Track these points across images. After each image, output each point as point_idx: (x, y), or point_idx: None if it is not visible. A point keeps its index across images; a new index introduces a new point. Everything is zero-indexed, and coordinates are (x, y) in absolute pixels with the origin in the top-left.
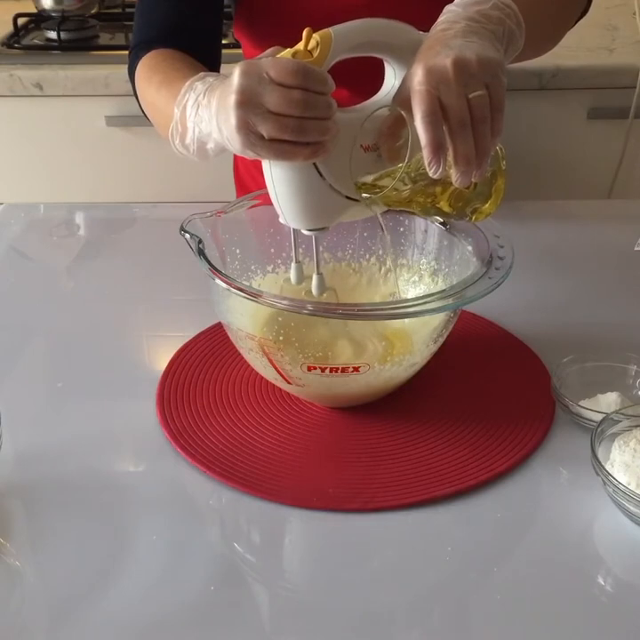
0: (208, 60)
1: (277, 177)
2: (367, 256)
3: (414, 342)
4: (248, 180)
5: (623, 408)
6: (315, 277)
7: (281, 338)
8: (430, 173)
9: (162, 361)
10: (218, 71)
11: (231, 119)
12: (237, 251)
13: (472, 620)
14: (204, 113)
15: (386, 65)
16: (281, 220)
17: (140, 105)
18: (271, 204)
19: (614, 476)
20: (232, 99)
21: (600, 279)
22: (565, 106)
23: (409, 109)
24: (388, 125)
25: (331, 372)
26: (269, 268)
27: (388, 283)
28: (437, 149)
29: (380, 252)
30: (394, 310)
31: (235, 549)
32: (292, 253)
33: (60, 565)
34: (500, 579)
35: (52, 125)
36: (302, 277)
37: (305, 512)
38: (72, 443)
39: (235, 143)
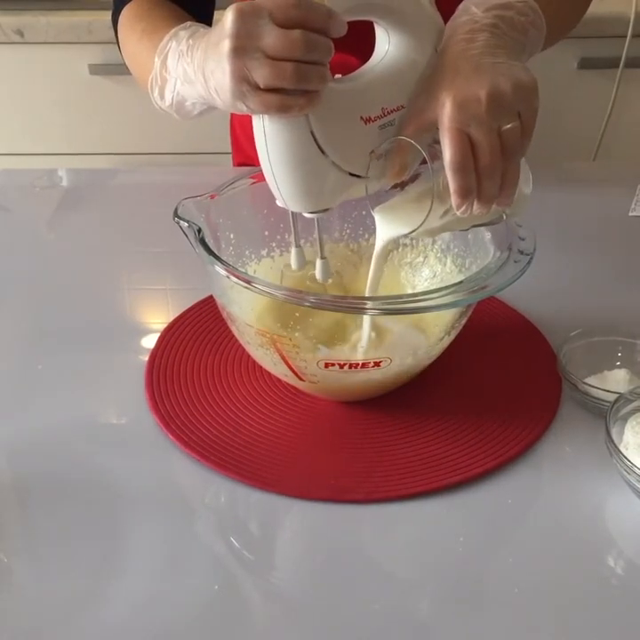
0: (200, 12)
1: (275, 155)
2: (366, 236)
3: (437, 331)
4: (245, 144)
5: (637, 387)
6: (319, 262)
7: (297, 334)
8: (458, 213)
9: (150, 334)
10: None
11: (225, 66)
12: (231, 235)
13: (488, 610)
14: (186, 63)
15: (378, 29)
16: (279, 203)
17: (121, 54)
18: (264, 182)
19: (629, 458)
20: (226, 44)
21: (603, 252)
22: (556, 56)
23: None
24: (399, 149)
25: (350, 368)
26: (264, 253)
27: (391, 263)
28: (466, 195)
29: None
30: (419, 303)
31: (232, 544)
32: (292, 238)
33: (51, 565)
34: (515, 567)
35: (34, 74)
36: (304, 262)
37: (306, 503)
38: (54, 431)
39: (224, 94)
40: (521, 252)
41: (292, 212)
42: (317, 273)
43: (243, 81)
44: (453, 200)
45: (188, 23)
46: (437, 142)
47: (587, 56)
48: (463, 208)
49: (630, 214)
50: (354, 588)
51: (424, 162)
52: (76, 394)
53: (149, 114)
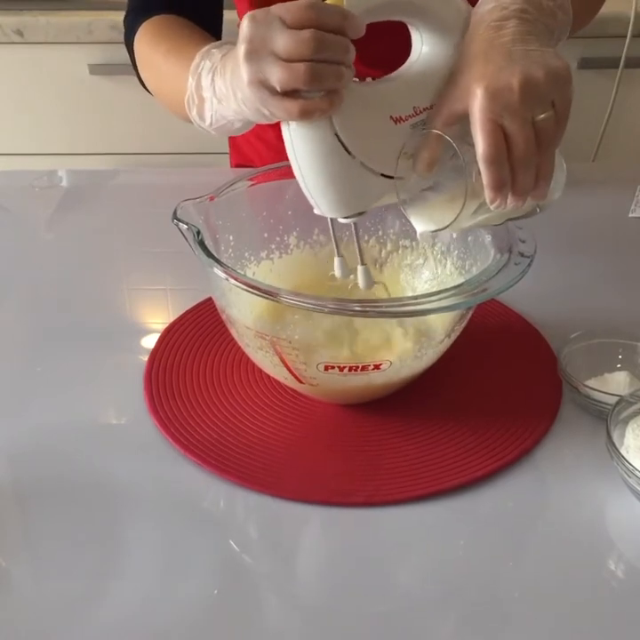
0: (210, 28)
1: (303, 161)
2: (366, 237)
3: (437, 334)
4: (244, 146)
5: (638, 390)
6: (360, 269)
7: (297, 337)
8: (491, 208)
9: (150, 334)
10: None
11: (242, 72)
12: (230, 237)
13: (488, 614)
14: (219, 81)
15: (412, 30)
16: (316, 211)
17: (138, 75)
18: (264, 183)
19: (630, 461)
20: (241, 49)
21: (603, 254)
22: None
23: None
24: (428, 142)
25: (350, 371)
26: (263, 255)
27: (391, 265)
28: (500, 188)
29: (380, 233)
30: (419, 306)
31: (231, 547)
32: (333, 246)
33: (49, 568)
34: (516, 570)
35: (34, 74)
36: (348, 271)
37: (305, 506)
38: (53, 433)
39: (249, 103)
40: (521, 255)
41: (331, 220)
42: (360, 281)
43: (260, 86)
44: (487, 194)
45: (220, 42)
46: (468, 134)
47: (586, 56)
48: (497, 202)
49: (630, 215)
50: (353, 591)
51: (455, 155)
52: (76, 395)
53: (149, 114)
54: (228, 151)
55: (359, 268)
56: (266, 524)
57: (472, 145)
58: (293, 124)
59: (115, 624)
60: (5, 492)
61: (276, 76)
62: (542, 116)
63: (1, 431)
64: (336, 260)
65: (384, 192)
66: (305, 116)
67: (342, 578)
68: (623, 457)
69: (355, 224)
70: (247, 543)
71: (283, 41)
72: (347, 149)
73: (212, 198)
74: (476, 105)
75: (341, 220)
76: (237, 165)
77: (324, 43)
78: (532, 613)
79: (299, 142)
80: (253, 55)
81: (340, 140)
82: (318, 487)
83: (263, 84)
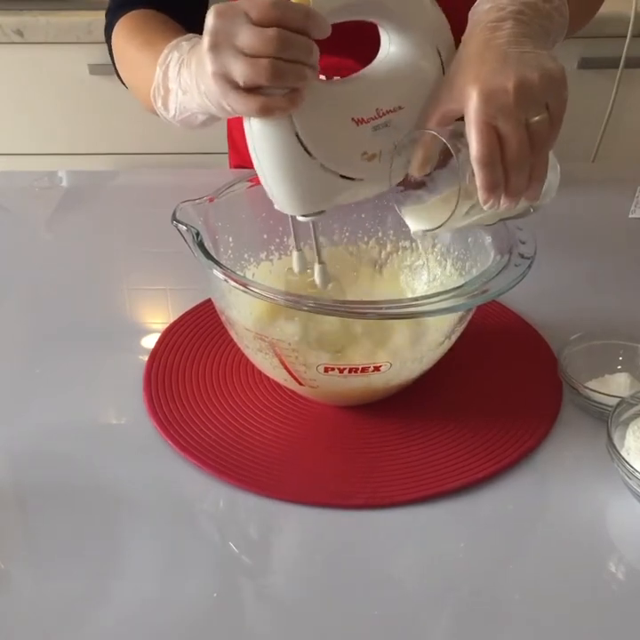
0: (192, 25)
1: (263, 158)
2: (365, 238)
3: (437, 336)
4: (243, 145)
5: (638, 391)
6: (317, 267)
7: (296, 338)
8: (484, 208)
9: (150, 334)
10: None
11: (205, 65)
12: (230, 239)
13: (488, 616)
14: (185, 73)
15: (380, 30)
16: (276, 206)
17: (115, 68)
18: (262, 185)
19: (631, 463)
20: (205, 42)
21: (603, 255)
22: (555, 55)
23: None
24: (421, 142)
25: (349, 372)
26: (263, 256)
27: (390, 266)
28: (493, 190)
29: (380, 234)
30: (419, 308)
31: (231, 549)
32: (291, 241)
33: (49, 570)
34: (516, 572)
35: (34, 74)
36: (305, 265)
37: (305, 508)
38: (53, 434)
39: (211, 96)
40: (521, 256)
41: (292, 216)
42: (316, 278)
43: (223, 79)
44: (480, 195)
45: (190, 35)
46: (462, 134)
47: (586, 56)
48: (490, 203)
49: (630, 216)
50: (353, 594)
51: (448, 155)
52: (75, 395)
53: (149, 114)
54: (227, 151)
55: (316, 266)
56: (265, 526)
57: (466, 145)
58: (254, 121)
59: (115, 624)
60: (5, 492)
61: (239, 70)
62: (536, 118)
63: (0, 431)
64: (294, 254)
65: (342, 192)
66: (265, 112)
67: (342, 580)
68: (624, 459)
69: (313, 222)
70: (246, 544)
71: (247, 37)
72: (306, 150)
73: (211, 200)
74: (471, 106)
75: (300, 219)
76: (237, 166)
77: (288, 42)
78: (533, 615)
79: (259, 139)
80: (217, 48)
81: (299, 140)
82: (318, 489)
83: (225, 78)
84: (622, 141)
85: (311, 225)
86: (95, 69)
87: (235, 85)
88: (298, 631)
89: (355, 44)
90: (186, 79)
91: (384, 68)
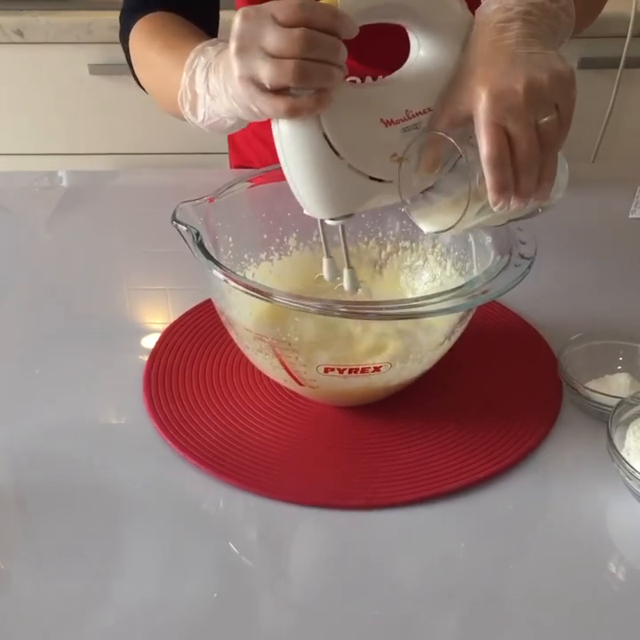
0: (206, 26)
1: (291, 160)
2: (365, 239)
3: (437, 336)
4: (243, 145)
5: (639, 392)
6: (346, 272)
7: (296, 339)
8: (494, 209)
9: (150, 335)
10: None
11: (233, 68)
12: (230, 239)
13: (489, 617)
14: (213, 78)
15: (409, 33)
16: (305, 211)
17: (133, 71)
18: (263, 184)
19: (631, 463)
20: (232, 46)
21: (603, 255)
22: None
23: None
24: (432, 143)
25: (349, 373)
26: (263, 256)
27: (391, 266)
28: (503, 191)
29: (380, 234)
30: (417, 308)
31: (231, 549)
32: (323, 247)
33: (49, 570)
34: (517, 573)
35: (34, 74)
36: (336, 273)
37: (305, 509)
38: (52, 434)
39: (239, 99)
40: (522, 256)
41: (321, 220)
42: (345, 284)
43: (250, 82)
44: (490, 196)
45: (215, 40)
46: (472, 136)
47: (587, 56)
48: (500, 204)
49: (630, 216)
50: (353, 594)
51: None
52: (75, 395)
53: (149, 114)
54: (227, 151)
55: (345, 271)
56: (265, 527)
57: (476, 146)
58: (282, 123)
59: (115, 624)
60: (5, 492)
61: (266, 72)
62: (546, 118)
63: (0, 431)
64: (325, 261)
65: (372, 195)
66: (292, 113)
67: (341, 580)
68: (624, 459)
69: (342, 226)
70: (246, 545)
71: (273, 38)
72: (334, 150)
73: (211, 200)
74: (480, 108)
75: (328, 222)
76: (237, 166)
77: (315, 42)
78: (533, 615)
79: (287, 141)
80: (244, 51)
81: (327, 141)
82: (317, 489)
83: (253, 81)
84: (622, 141)
85: (340, 229)
86: (95, 69)
87: (262, 88)
88: (298, 631)
89: (358, 46)
90: (214, 84)
91: (414, 71)
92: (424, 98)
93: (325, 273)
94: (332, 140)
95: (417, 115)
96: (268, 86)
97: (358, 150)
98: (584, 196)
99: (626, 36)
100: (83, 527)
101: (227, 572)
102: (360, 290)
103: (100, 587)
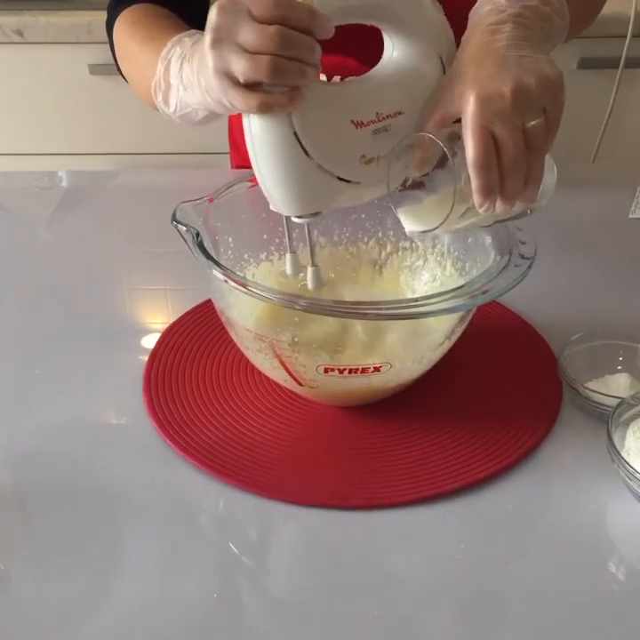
0: (192, 19)
1: (261, 156)
2: (365, 239)
3: (437, 336)
4: (244, 146)
5: (639, 392)
6: (309, 270)
7: (296, 339)
8: (480, 211)
9: (150, 335)
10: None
11: (207, 61)
12: (230, 239)
13: (489, 617)
14: (187, 69)
15: (384, 34)
16: (271, 206)
17: (116, 62)
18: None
19: (631, 463)
20: (207, 38)
21: (603, 255)
22: (555, 56)
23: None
24: (419, 144)
25: (349, 373)
26: (263, 256)
27: (390, 266)
28: (489, 194)
29: (380, 234)
30: (419, 308)
31: (231, 550)
32: (286, 242)
33: (49, 570)
34: (516, 573)
35: (34, 74)
36: (299, 268)
37: (305, 509)
38: (52, 434)
39: (211, 92)
40: (522, 256)
41: (287, 217)
42: (308, 282)
43: (223, 75)
44: (475, 198)
45: (193, 31)
46: (459, 137)
47: (586, 56)
48: (485, 206)
49: (630, 216)
50: (353, 594)
51: (447, 155)
52: (75, 395)
53: (149, 114)
54: (228, 151)
55: (309, 268)
56: (265, 527)
57: (463, 148)
58: (253, 118)
59: (115, 624)
60: (5, 492)
61: (240, 66)
62: (533, 122)
63: (0, 431)
64: (288, 257)
65: (339, 195)
66: (264, 109)
67: (341, 580)
68: (624, 459)
69: (308, 224)
70: (246, 545)
71: (249, 33)
72: (304, 149)
73: (211, 200)
74: (468, 110)
75: (295, 220)
76: (238, 166)
77: (290, 40)
78: (533, 615)
79: (257, 137)
80: (219, 44)
81: (297, 139)
82: (317, 490)
83: (226, 74)
84: (622, 141)
85: (305, 227)
86: (95, 69)
87: (235, 81)
88: (298, 631)
89: (357, 43)
90: (188, 75)
91: (386, 73)
92: (395, 101)
93: (288, 268)
94: (302, 139)
95: (387, 117)
96: (241, 80)
97: (328, 151)
98: (584, 196)
99: (626, 36)
100: (83, 527)
101: (227, 572)
102: (323, 288)
103: (99, 587)
